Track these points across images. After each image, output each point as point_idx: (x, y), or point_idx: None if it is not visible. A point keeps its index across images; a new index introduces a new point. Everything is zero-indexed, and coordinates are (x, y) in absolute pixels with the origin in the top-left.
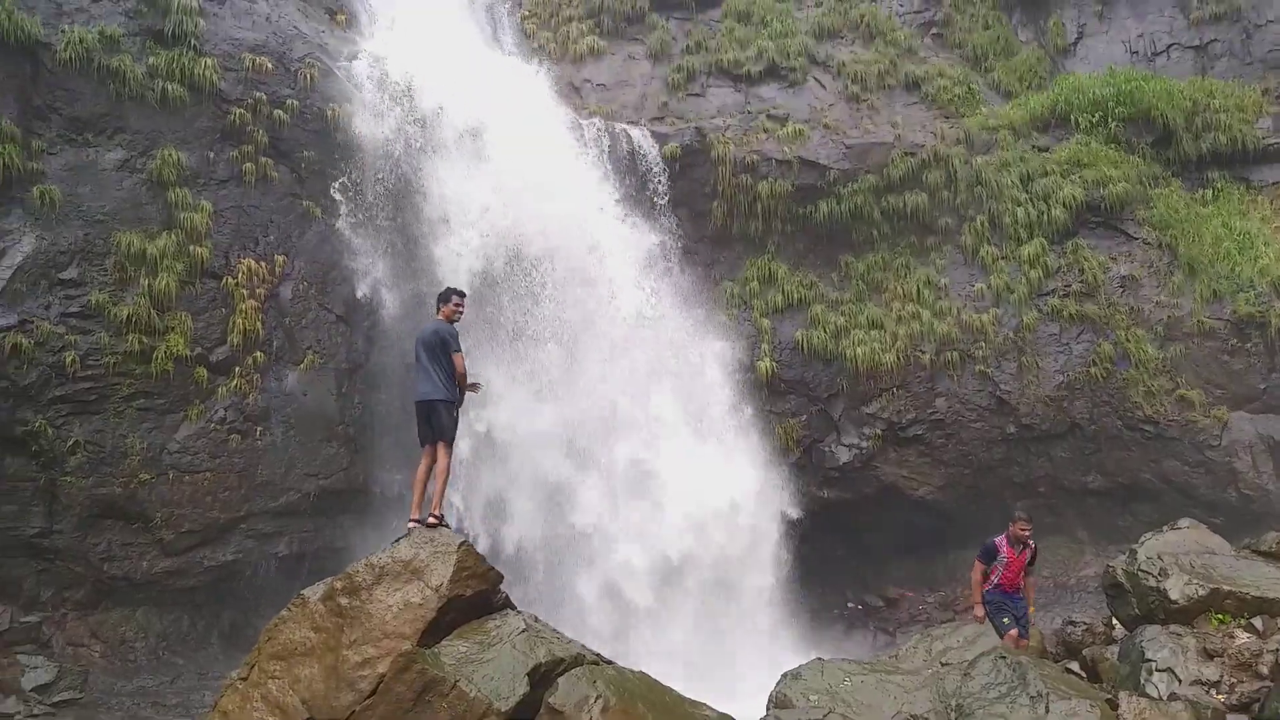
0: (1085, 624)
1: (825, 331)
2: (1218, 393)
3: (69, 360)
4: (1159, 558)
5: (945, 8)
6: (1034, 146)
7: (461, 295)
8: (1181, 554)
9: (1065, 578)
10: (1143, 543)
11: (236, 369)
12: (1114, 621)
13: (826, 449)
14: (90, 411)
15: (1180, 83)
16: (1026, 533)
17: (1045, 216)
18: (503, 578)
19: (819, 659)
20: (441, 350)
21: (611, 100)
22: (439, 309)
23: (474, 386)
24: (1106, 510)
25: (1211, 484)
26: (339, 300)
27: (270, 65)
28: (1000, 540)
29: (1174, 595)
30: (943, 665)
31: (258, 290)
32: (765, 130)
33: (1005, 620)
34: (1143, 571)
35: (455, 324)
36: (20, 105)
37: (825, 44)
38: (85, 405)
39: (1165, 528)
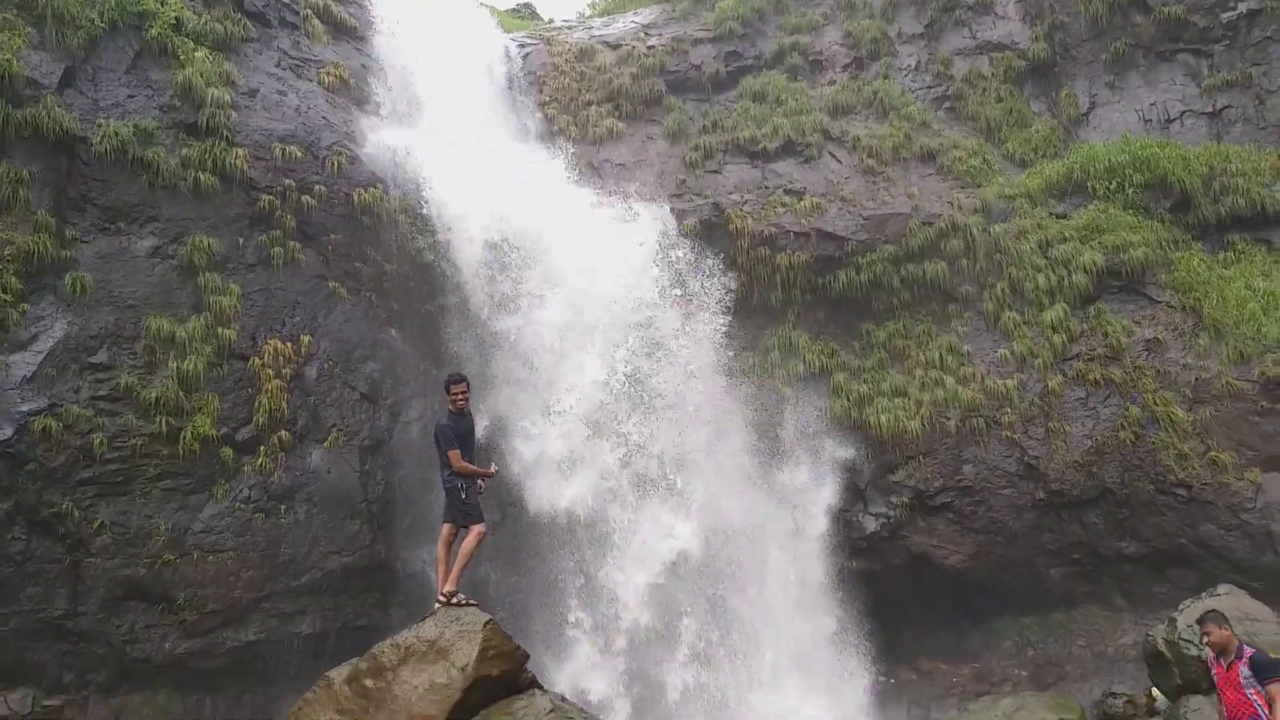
0: (1126, 695)
1: (848, 400)
2: (1250, 455)
3: (97, 442)
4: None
5: (957, 82)
6: (1051, 214)
7: (458, 382)
8: None
9: (1103, 647)
10: (1182, 610)
11: (262, 448)
12: (1155, 692)
13: (854, 519)
14: (117, 493)
15: (1195, 148)
16: (1207, 638)
17: (1066, 282)
18: (529, 656)
19: None
20: (438, 446)
21: (630, 179)
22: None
23: (486, 474)
24: (1143, 577)
25: (1249, 548)
26: (362, 378)
27: (299, 153)
28: None
29: None
30: None
31: (283, 370)
32: (782, 204)
33: None
34: (1184, 640)
35: (459, 412)
36: (55, 196)
37: (840, 120)
38: (112, 486)
39: (1204, 594)
